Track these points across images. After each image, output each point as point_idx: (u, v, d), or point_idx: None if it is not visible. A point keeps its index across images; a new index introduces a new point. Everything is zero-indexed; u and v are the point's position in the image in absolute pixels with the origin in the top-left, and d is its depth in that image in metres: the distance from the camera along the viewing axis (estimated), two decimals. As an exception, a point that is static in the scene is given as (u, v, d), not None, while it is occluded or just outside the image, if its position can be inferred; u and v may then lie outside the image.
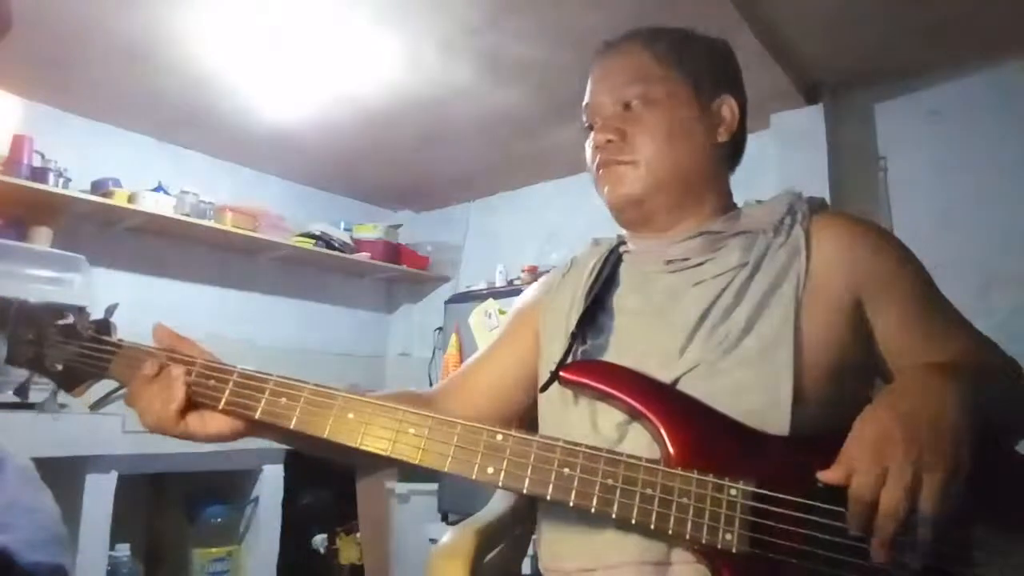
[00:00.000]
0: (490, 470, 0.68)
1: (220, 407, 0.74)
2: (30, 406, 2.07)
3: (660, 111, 0.85)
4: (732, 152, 0.91)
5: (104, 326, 0.83)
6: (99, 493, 2.11)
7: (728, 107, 0.89)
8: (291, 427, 0.72)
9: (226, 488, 2.67)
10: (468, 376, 0.96)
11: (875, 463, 0.59)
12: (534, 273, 2.97)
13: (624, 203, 0.86)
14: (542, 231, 3.28)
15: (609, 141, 0.86)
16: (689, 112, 0.86)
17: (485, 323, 2.85)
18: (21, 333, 0.81)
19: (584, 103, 0.92)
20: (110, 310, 0.84)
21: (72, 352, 0.81)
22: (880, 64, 2.32)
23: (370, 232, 3.43)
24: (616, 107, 0.87)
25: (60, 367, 0.81)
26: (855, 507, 0.60)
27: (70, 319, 0.83)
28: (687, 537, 0.63)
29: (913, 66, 2.30)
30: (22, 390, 0.82)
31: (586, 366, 0.78)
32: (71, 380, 0.81)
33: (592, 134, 0.89)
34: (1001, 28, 2.07)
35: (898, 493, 0.58)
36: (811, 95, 2.48)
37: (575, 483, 0.66)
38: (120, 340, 0.81)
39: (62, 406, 2.10)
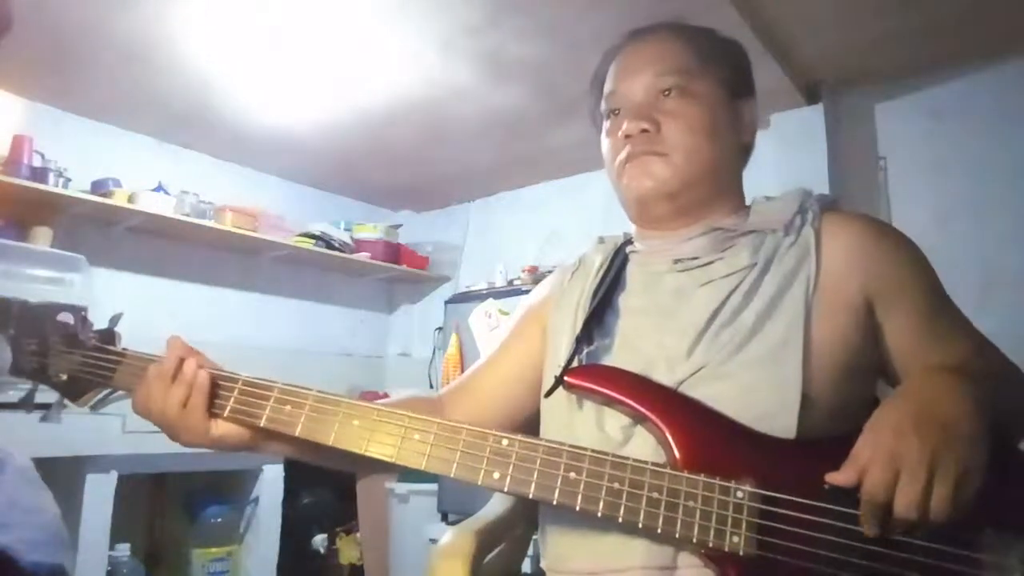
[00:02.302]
0: (496, 475, 0.67)
1: (224, 415, 0.75)
2: (29, 407, 2.08)
3: (698, 106, 0.84)
4: (747, 154, 0.92)
5: (108, 336, 0.84)
6: (99, 493, 2.10)
7: (750, 110, 0.89)
8: (296, 434, 0.73)
9: (226, 488, 2.67)
10: (476, 380, 0.95)
11: (889, 463, 0.58)
12: (534, 273, 2.97)
13: (653, 197, 0.84)
14: (542, 231, 3.27)
15: (644, 131, 0.82)
16: (722, 111, 0.86)
17: (485, 323, 2.85)
18: (24, 343, 0.82)
19: (608, 90, 0.90)
20: (114, 320, 0.85)
21: (76, 362, 0.82)
22: (880, 64, 2.32)
23: (370, 232, 3.43)
24: (649, 96, 0.85)
25: (64, 377, 0.82)
26: (869, 507, 0.59)
27: (72, 325, 0.83)
28: (694, 540, 0.63)
29: (913, 66, 2.30)
30: (28, 400, 0.83)
31: (590, 371, 0.77)
32: (75, 390, 0.82)
33: (621, 123, 0.85)
34: (1001, 28, 2.07)
35: (913, 494, 0.57)
36: (811, 95, 2.47)
37: (581, 487, 0.65)
38: (124, 349, 0.81)
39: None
